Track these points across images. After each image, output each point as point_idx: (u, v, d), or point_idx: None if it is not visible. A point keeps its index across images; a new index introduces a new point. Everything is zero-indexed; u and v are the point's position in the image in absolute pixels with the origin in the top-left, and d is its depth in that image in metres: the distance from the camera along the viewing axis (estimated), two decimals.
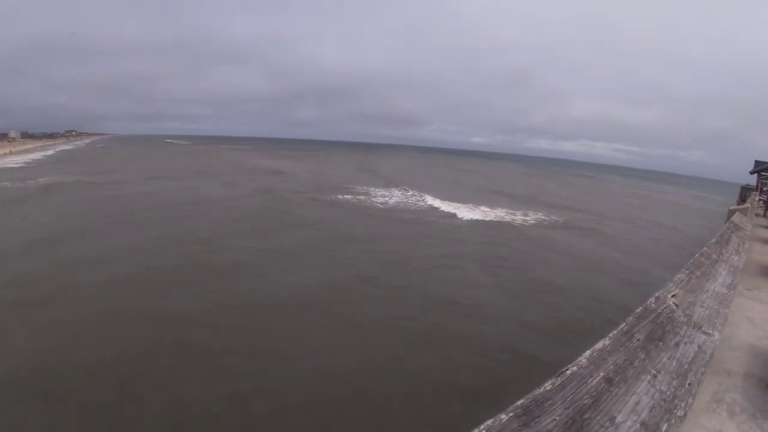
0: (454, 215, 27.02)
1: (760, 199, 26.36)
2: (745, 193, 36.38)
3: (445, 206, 30.00)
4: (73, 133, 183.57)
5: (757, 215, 17.25)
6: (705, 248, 3.78)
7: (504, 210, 30.32)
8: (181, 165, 54.70)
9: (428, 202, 31.70)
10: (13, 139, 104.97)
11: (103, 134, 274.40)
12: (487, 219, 26.39)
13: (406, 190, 38.35)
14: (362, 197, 32.23)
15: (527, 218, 27.73)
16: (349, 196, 31.99)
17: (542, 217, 28.52)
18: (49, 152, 77.55)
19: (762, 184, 36.22)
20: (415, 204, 31.01)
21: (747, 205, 6.82)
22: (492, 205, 32.18)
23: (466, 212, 28.07)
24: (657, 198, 59.40)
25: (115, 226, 19.27)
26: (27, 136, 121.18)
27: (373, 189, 37.66)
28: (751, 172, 38.05)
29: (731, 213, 7.62)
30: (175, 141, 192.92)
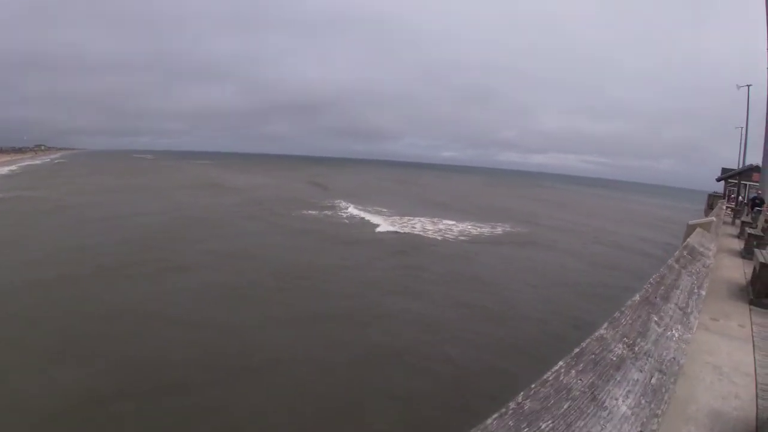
0: (372, 223, 26.88)
1: (727, 207, 26.86)
2: (712, 200, 37.19)
3: (370, 216, 29.56)
4: (42, 147, 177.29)
5: (725, 223, 17.14)
6: (636, 298, 2.18)
7: (428, 219, 29.96)
8: (126, 182, 51.77)
9: (351, 212, 31.28)
10: None
11: (73, 149, 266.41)
12: (404, 231, 25.35)
13: (337, 202, 37.80)
14: (292, 212, 30.75)
15: (450, 230, 26.55)
16: (277, 210, 30.97)
17: (469, 229, 27.38)
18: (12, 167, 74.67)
19: (729, 191, 37.22)
20: (337, 214, 30.48)
21: (711, 218, 5.29)
22: (414, 215, 31.53)
23: (383, 221, 27.83)
24: (612, 206, 59.87)
25: None
26: None
27: (310, 202, 36.99)
28: (718, 180, 39.13)
29: (690, 229, 5.76)
30: (143, 156, 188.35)
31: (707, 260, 3.81)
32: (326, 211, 31.25)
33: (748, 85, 26.39)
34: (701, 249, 4.28)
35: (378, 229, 25.12)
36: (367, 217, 29.15)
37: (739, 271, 6.42)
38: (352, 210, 31.85)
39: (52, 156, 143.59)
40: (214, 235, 20.78)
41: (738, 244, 10.15)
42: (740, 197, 26.87)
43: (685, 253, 3.85)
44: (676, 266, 3.12)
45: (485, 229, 26.88)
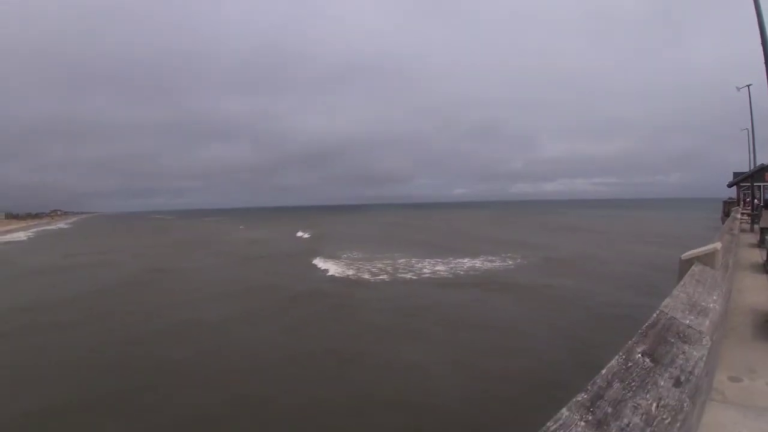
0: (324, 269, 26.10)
1: (743, 212, 25.51)
2: (728, 207, 35.67)
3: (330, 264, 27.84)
4: (58, 212, 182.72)
5: (743, 231, 15.80)
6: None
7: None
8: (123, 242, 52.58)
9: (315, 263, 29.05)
10: None
11: (89, 213, 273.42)
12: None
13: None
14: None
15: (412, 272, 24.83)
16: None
17: (437, 269, 25.43)
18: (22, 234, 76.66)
19: (744, 195, 35.74)
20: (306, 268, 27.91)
21: (715, 245, 3.19)
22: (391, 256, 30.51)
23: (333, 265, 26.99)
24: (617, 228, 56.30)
25: None
26: (11, 216, 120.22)
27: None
28: (729, 185, 37.67)
29: (685, 266, 3.40)
30: (161, 216, 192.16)
31: (703, 340, 1.78)
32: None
33: (748, 85, 25.50)
34: (691, 320, 1.97)
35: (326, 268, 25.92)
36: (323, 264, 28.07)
37: (765, 294, 5.45)
38: (317, 261, 29.96)
39: (69, 220, 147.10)
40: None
41: (760, 255, 9.01)
42: (755, 200, 25.52)
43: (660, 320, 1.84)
44: (636, 371, 1.41)
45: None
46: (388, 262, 27.74)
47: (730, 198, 37.10)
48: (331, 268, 26.19)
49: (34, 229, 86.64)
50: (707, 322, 1.92)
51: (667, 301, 2.12)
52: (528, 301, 17.02)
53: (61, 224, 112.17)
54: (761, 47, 9.46)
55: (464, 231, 56.63)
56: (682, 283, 2.69)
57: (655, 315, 1.84)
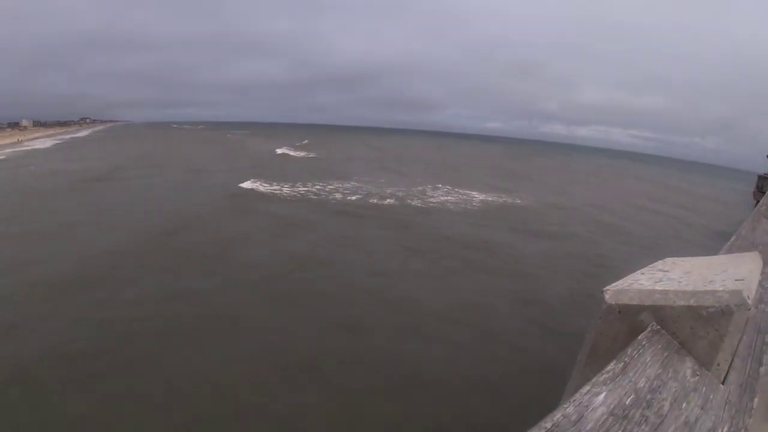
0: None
1: None
2: (762, 182, 33.38)
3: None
4: (87, 120, 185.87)
5: None
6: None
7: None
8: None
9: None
10: (25, 127, 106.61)
11: (118, 121, 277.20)
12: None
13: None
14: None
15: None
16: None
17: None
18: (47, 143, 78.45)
19: None
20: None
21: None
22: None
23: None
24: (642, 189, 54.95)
25: None
26: (39, 124, 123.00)
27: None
28: None
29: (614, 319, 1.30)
30: (182, 126, 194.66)
31: None
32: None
33: None
34: None
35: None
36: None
37: None
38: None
39: (95, 128, 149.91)
40: None
41: None
42: None
43: None
44: None
45: None
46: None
47: (766, 174, 34.65)
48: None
49: (63, 137, 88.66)
50: None
51: None
52: None
53: (84, 132, 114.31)
54: None
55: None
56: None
57: None
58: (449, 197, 28.85)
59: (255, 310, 10.53)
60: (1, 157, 47.20)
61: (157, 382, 7.48)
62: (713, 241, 20.06)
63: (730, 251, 2.34)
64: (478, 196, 29.67)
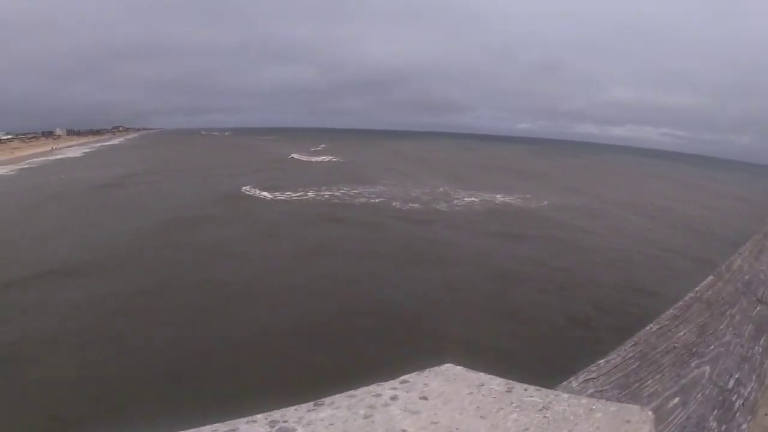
0: None
1: None
2: None
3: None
4: (120, 128, 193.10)
5: None
6: None
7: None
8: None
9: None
10: (59, 136, 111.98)
11: (149, 129, 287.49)
12: None
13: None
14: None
15: None
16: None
17: None
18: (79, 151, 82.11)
19: None
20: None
21: None
22: None
23: None
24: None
25: None
26: (73, 132, 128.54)
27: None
28: None
29: None
30: (211, 132, 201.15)
31: None
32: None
33: None
34: None
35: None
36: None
37: None
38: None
39: (128, 137, 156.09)
40: None
41: None
42: None
43: None
44: None
45: None
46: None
47: None
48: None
49: (83, 149, 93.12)
50: None
51: None
52: None
53: (116, 141, 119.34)
54: None
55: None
56: None
57: None
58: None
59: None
60: (34, 166, 50.23)
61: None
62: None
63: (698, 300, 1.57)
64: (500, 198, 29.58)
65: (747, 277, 1.78)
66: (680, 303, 1.50)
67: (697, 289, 1.60)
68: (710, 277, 1.70)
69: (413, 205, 26.39)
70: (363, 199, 27.72)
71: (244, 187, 30.01)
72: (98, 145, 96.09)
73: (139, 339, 9.97)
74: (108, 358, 9.22)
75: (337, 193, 29.33)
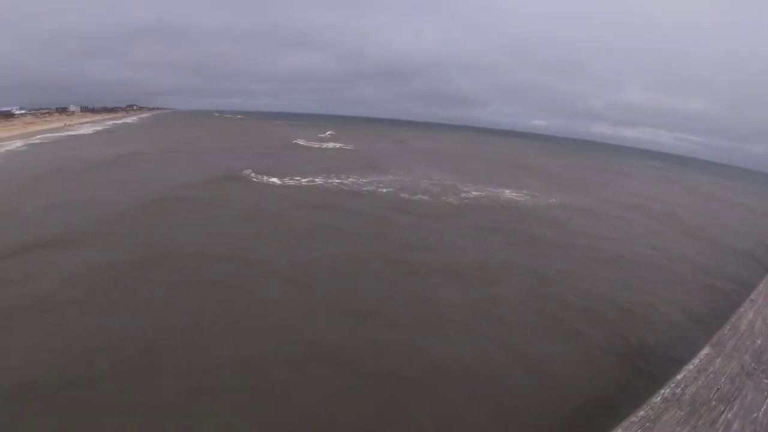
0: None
1: None
2: None
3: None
4: (134, 107, 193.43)
5: None
6: None
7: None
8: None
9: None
10: (73, 113, 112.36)
11: (163, 108, 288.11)
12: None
13: None
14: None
15: None
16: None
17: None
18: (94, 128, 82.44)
19: None
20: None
21: None
22: None
23: None
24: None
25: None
26: (87, 110, 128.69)
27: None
28: None
29: None
30: (223, 114, 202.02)
31: None
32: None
33: None
34: None
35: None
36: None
37: None
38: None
39: (141, 116, 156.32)
40: None
41: None
42: None
43: None
44: None
45: None
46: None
47: None
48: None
49: (96, 127, 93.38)
50: None
51: None
52: None
53: (129, 119, 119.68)
54: None
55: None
56: None
57: None
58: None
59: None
60: (46, 141, 50.21)
61: None
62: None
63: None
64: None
65: (759, 342, 1.22)
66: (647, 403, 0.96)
67: (678, 377, 1.00)
68: (706, 349, 1.17)
69: (422, 196, 25.81)
70: (371, 188, 27.14)
71: (244, 171, 29.56)
72: (110, 123, 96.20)
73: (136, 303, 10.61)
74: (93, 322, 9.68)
75: (335, 182, 28.67)
